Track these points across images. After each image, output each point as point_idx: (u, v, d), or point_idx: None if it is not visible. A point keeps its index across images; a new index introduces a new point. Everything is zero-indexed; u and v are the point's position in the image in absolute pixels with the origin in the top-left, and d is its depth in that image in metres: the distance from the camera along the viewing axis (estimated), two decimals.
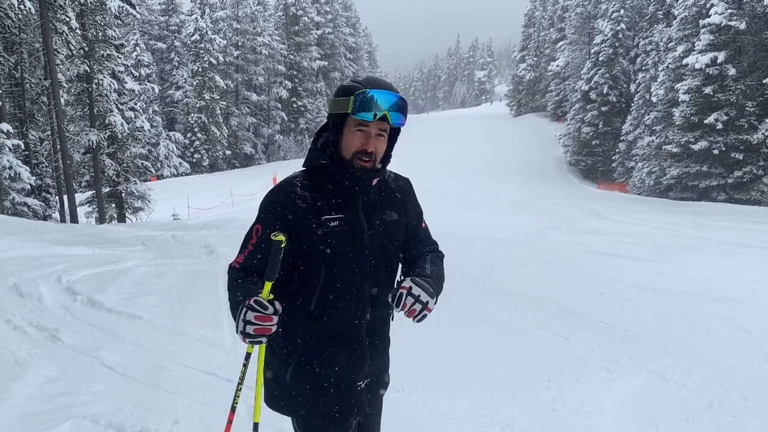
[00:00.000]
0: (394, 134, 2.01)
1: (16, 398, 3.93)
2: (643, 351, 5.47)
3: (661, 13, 39.61)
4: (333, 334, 1.99)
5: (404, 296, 1.83)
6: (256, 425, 2.02)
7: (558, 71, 59.79)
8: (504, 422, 3.90)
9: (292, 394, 2.03)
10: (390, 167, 2.11)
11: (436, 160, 41.98)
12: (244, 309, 1.67)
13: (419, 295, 1.84)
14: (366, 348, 2.05)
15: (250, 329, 1.65)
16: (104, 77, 23.17)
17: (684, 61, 29.05)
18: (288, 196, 1.91)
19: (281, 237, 1.77)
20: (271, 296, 1.77)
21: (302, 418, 2.06)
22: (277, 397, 2.08)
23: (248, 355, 1.92)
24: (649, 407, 4.25)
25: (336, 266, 1.94)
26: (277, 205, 1.91)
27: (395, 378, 4.32)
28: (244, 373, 1.98)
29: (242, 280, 1.88)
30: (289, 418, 2.16)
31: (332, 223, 1.92)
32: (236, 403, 2.02)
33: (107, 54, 23.60)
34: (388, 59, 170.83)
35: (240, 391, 1.98)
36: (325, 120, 2.03)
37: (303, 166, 2.02)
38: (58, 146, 20.04)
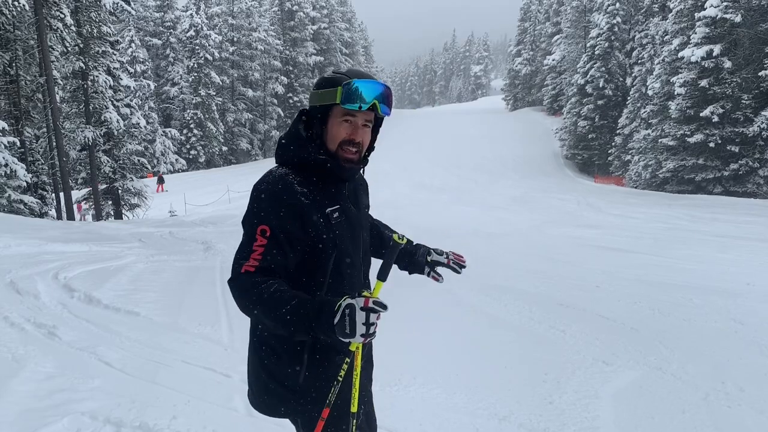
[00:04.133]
0: (376, 125, 2.04)
1: (13, 395, 3.93)
2: (639, 344, 5.49)
3: (656, 6, 39.54)
4: None
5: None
6: (354, 414, 1.99)
7: (554, 65, 59.72)
8: (501, 415, 3.92)
9: (308, 395, 1.97)
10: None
11: (432, 155, 41.95)
12: (363, 312, 1.65)
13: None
14: None
15: (372, 329, 1.67)
16: (99, 74, 23.14)
17: (680, 54, 29.08)
18: (290, 194, 1.87)
19: (402, 240, 2.02)
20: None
21: (314, 415, 1.98)
22: (285, 401, 2.00)
23: (351, 353, 1.94)
24: (645, 399, 4.27)
25: (343, 256, 1.98)
26: (282, 205, 1.85)
27: (393, 372, 4.36)
28: (345, 370, 1.93)
29: (279, 286, 1.78)
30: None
31: (334, 215, 1.94)
32: (332, 399, 1.94)
33: (102, 50, 23.58)
34: (384, 54, 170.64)
35: (338, 386, 1.93)
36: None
37: (287, 161, 1.96)
38: (54, 143, 20.00)
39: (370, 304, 1.66)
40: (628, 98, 39.04)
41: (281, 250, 1.84)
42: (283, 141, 2.01)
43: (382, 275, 1.96)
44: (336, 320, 1.65)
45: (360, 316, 1.65)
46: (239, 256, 1.85)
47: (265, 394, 2.03)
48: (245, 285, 1.80)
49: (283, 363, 1.97)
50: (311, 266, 1.93)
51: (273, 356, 1.98)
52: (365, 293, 1.73)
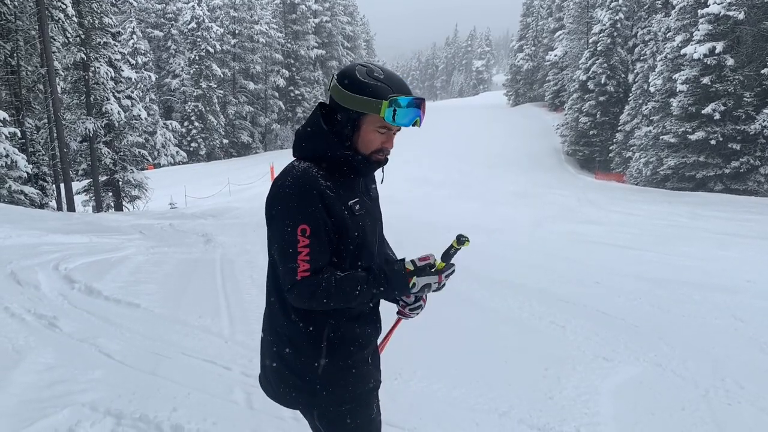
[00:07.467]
0: None
1: (14, 386, 3.93)
2: (639, 340, 5.49)
3: (659, 2, 39.44)
4: (359, 312, 2.03)
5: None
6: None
7: (556, 61, 59.61)
8: (501, 410, 3.92)
9: (325, 387, 1.97)
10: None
11: (434, 150, 41.92)
12: (436, 285, 1.94)
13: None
14: (379, 319, 2.17)
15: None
16: (101, 65, 23.12)
17: (682, 51, 28.99)
18: (317, 188, 1.85)
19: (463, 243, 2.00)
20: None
21: (331, 407, 1.99)
22: (302, 392, 1.99)
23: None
24: (645, 395, 4.28)
25: (364, 246, 2.01)
26: (312, 200, 1.84)
27: (393, 366, 4.36)
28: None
29: (333, 276, 1.85)
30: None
31: (356, 207, 1.96)
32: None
33: (104, 42, 23.54)
34: (385, 48, 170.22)
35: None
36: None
37: (307, 155, 1.95)
38: (55, 134, 19.98)
39: (444, 281, 1.95)
40: (630, 95, 38.96)
41: (323, 246, 1.85)
42: (302, 134, 1.99)
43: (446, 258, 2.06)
44: (414, 291, 1.91)
45: (433, 287, 1.95)
46: (287, 262, 1.84)
47: (282, 385, 2.02)
48: (308, 290, 1.83)
49: (302, 354, 1.97)
50: (335, 258, 1.95)
51: (291, 348, 1.99)
52: (436, 265, 1.93)
